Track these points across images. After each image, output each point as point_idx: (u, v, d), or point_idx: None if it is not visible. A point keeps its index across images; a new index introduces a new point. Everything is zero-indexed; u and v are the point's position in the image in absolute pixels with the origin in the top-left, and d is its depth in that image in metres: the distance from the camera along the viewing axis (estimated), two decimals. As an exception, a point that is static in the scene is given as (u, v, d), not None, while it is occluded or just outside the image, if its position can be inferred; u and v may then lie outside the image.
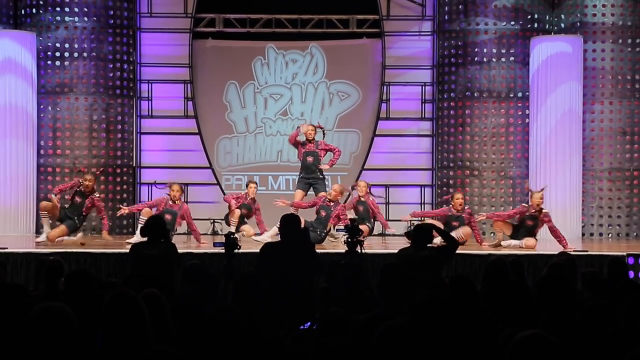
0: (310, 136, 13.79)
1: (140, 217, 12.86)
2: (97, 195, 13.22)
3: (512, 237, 12.85)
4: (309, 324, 5.87)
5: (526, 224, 12.80)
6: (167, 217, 12.81)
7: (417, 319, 4.23)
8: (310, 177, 13.73)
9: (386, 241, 14.42)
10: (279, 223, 8.33)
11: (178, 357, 3.90)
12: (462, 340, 4.58)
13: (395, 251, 8.79)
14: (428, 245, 8.57)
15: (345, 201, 14.11)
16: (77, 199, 12.98)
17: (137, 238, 11.69)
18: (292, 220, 8.42)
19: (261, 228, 13.58)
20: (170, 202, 13.00)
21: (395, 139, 16.78)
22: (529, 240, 12.68)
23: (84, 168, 13.95)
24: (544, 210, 12.78)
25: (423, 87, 16.73)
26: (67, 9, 15.82)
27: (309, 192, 13.84)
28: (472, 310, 5.10)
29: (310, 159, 13.72)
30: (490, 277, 6.76)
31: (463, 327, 4.59)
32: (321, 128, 13.94)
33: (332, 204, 13.07)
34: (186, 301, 5.54)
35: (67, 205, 13.23)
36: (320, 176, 13.74)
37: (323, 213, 13.08)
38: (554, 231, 12.57)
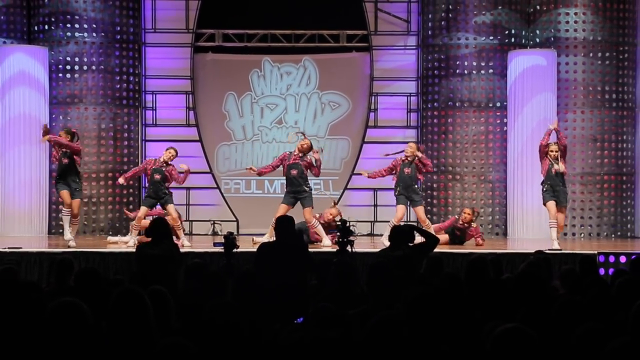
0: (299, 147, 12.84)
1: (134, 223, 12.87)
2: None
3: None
4: (302, 319, 5.86)
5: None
6: (157, 176, 12.67)
7: (412, 313, 4.23)
8: (295, 190, 12.65)
9: (374, 241, 14.39)
10: (273, 223, 8.34)
11: (189, 349, 3.88)
12: (448, 333, 4.57)
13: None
14: (409, 244, 8.58)
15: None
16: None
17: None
18: (286, 222, 8.44)
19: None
20: (158, 163, 12.79)
21: (382, 145, 16.74)
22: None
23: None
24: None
25: (408, 98, 16.72)
26: (77, 25, 15.80)
27: (296, 206, 12.78)
28: (459, 306, 5.10)
29: (294, 171, 12.65)
30: (472, 274, 6.75)
31: (450, 322, 4.58)
32: (302, 134, 13.41)
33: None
34: (188, 297, 5.52)
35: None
36: (307, 189, 12.70)
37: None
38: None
